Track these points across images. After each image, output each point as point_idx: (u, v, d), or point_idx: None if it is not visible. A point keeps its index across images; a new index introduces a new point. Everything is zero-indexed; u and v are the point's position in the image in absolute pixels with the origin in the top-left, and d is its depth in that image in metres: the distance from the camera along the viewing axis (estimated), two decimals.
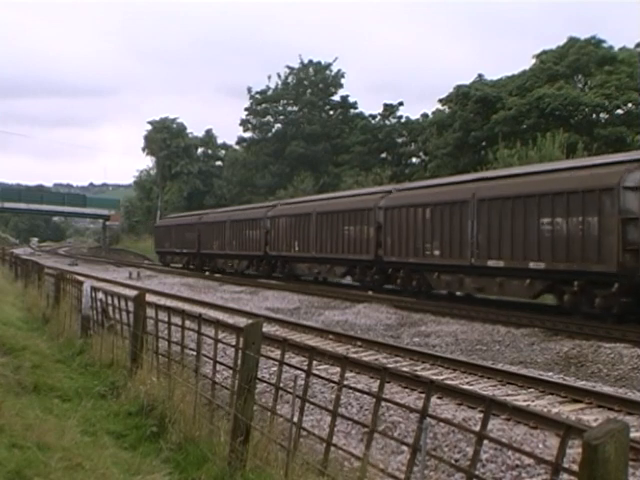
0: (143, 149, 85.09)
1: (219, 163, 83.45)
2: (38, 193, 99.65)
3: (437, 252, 22.33)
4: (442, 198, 22.50)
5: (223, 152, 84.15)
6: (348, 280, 30.29)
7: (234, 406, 5.63)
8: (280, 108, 71.16)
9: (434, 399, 8.48)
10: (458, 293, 24.15)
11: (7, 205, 80.00)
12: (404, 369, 11.27)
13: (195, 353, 7.47)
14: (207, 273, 41.72)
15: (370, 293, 25.70)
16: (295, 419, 5.32)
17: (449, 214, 21.80)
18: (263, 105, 71.35)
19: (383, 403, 5.35)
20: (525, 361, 13.35)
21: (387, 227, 25.12)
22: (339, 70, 70.83)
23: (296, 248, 32.10)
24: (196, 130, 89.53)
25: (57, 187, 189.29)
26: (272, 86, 71.67)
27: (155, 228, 57.90)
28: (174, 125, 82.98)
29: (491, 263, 19.86)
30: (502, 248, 19.54)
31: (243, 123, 72.49)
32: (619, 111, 43.84)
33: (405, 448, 6.43)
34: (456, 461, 6.65)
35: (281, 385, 6.00)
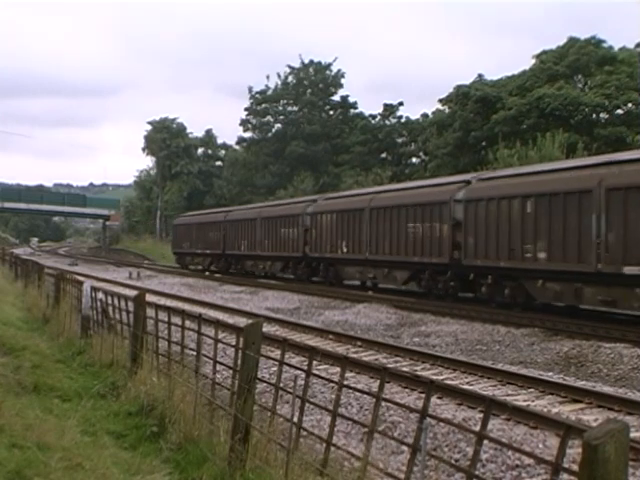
0: (143, 149, 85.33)
1: (219, 163, 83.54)
2: (38, 193, 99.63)
3: (543, 255, 18.39)
4: (550, 187, 18.29)
5: (223, 152, 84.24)
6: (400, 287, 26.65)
7: (234, 406, 5.63)
8: (280, 108, 71.17)
9: (434, 399, 8.49)
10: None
11: (7, 205, 79.98)
12: (404, 369, 11.27)
13: (195, 353, 7.48)
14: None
15: (370, 293, 25.68)
16: (295, 419, 5.32)
17: (562, 207, 17.69)
18: (263, 105, 71.37)
19: (383, 403, 5.35)
20: (525, 361, 13.35)
21: (468, 224, 21.01)
22: (339, 70, 70.90)
23: (344, 249, 27.73)
24: (196, 130, 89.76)
25: (57, 187, 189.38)
26: (271, 86, 71.75)
27: (173, 227, 52.08)
28: (174, 125, 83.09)
29: (629, 270, 15.92)
30: None
31: (243, 123, 72.54)
32: (619, 111, 43.84)
33: (405, 448, 6.43)
34: (456, 461, 6.66)
35: (281, 385, 6.00)
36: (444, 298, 22.43)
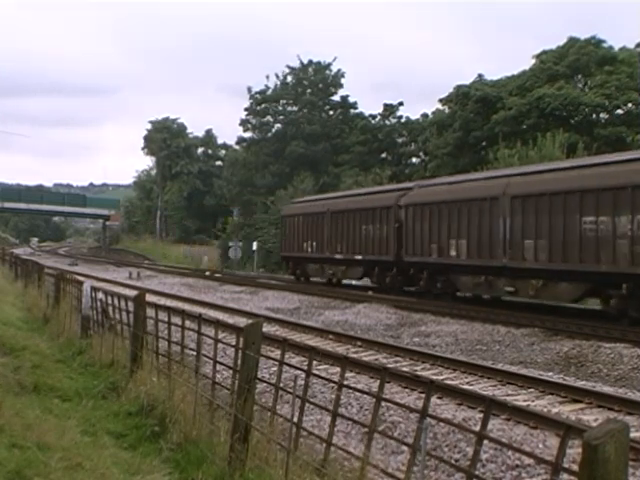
0: (143, 149, 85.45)
1: (219, 163, 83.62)
2: (38, 193, 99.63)
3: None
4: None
5: (223, 152, 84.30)
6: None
7: (234, 406, 5.63)
8: (280, 108, 71.13)
9: (434, 399, 8.48)
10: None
11: (7, 205, 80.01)
12: (404, 369, 11.27)
13: (195, 353, 7.48)
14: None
15: (370, 293, 25.68)
16: (295, 419, 5.32)
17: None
18: (263, 105, 71.32)
19: (383, 403, 5.35)
20: (525, 361, 13.35)
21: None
22: (339, 70, 70.83)
23: None
24: (196, 130, 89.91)
25: (57, 187, 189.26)
26: (271, 86, 71.71)
27: (281, 220, 36.27)
28: (174, 125, 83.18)
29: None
30: None
31: (243, 123, 72.46)
32: (619, 111, 43.84)
33: (405, 448, 6.43)
34: (456, 461, 6.65)
35: (281, 385, 6.01)
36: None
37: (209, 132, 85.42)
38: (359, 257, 27.43)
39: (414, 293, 24.52)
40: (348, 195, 32.22)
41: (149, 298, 10.21)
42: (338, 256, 28.95)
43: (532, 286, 19.28)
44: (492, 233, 20.42)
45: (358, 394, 8.65)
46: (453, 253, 22.26)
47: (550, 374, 11.42)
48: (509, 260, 19.75)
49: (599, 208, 16.91)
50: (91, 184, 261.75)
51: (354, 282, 30.35)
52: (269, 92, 71.49)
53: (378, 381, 5.28)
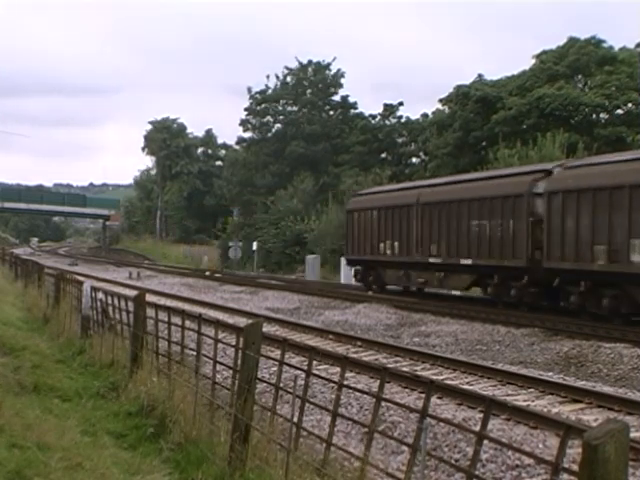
0: (143, 149, 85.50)
1: (219, 163, 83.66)
2: (38, 193, 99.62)
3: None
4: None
5: (223, 152, 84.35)
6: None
7: (234, 406, 5.64)
8: (280, 108, 71.15)
9: (434, 399, 8.48)
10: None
11: (7, 205, 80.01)
12: (404, 369, 11.28)
13: (195, 353, 7.48)
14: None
15: (370, 293, 25.68)
16: (295, 419, 5.32)
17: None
18: (263, 105, 71.34)
19: (383, 403, 5.35)
20: (525, 361, 13.36)
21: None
22: (339, 70, 70.84)
23: None
24: (196, 130, 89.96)
25: (57, 187, 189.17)
26: (271, 86, 71.74)
27: (348, 215, 29.24)
28: (174, 125, 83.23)
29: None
30: None
31: (243, 123, 72.46)
32: (619, 111, 43.84)
33: (405, 448, 6.43)
34: (456, 461, 6.65)
35: (281, 385, 6.01)
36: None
37: (209, 132, 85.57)
38: (467, 262, 21.45)
39: (546, 309, 19.05)
40: (449, 182, 24.88)
41: (149, 298, 10.22)
42: (433, 260, 22.94)
43: None
44: None
45: (358, 394, 8.65)
46: (637, 258, 15.99)
47: (550, 374, 11.43)
48: None
49: None
50: (91, 184, 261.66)
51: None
52: (269, 92, 71.52)
53: (378, 381, 5.28)
